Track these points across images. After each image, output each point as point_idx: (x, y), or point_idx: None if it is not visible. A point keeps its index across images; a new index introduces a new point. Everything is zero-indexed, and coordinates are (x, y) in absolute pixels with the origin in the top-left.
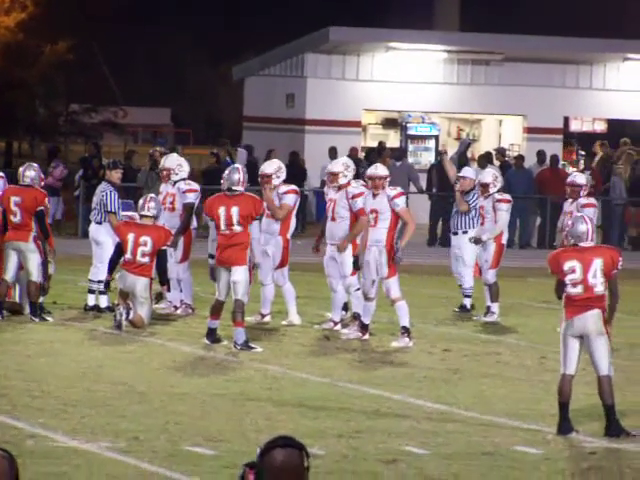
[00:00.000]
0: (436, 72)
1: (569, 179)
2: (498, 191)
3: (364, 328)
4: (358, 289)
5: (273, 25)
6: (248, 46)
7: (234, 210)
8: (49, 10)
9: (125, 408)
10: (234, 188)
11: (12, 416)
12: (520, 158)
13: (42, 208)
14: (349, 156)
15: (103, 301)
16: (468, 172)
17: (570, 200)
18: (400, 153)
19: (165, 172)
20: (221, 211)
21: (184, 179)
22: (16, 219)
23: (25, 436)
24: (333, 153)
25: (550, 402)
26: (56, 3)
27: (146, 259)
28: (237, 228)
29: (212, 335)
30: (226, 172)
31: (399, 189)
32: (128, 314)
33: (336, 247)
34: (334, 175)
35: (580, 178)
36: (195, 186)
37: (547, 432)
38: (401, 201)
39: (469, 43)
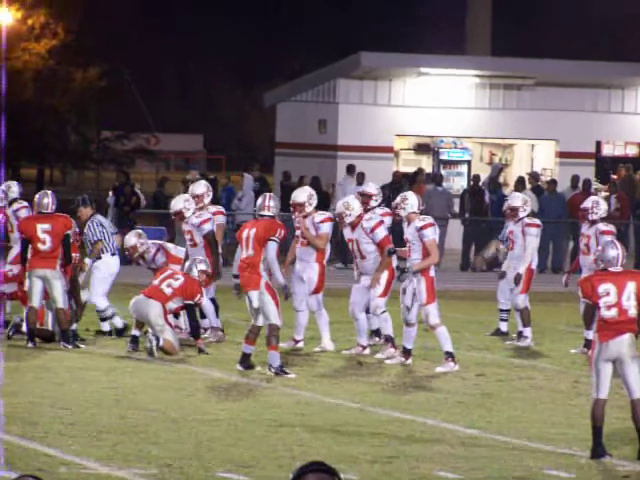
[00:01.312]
0: (468, 97)
1: (506, 204)
2: (528, 215)
3: (407, 353)
4: (384, 311)
5: (304, 51)
6: (279, 72)
7: (252, 232)
8: (80, 36)
9: (157, 434)
10: (260, 213)
11: (44, 443)
12: (553, 182)
13: (69, 232)
14: (392, 181)
15: (105, 326)
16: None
17: (586, 225)
18: (440, 178)
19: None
20: (244, 234)
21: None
22: (45, 247)
23: (58, 463)
24: (361, 179)
25: (583, 426)
26: (87, 30)
27: (164, 286)
28: (251, 252)
29: (245, 361)
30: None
31: (428, 219)
32: (159, 341)
33: (368, 281)
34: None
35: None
36: (207, 215)
37: (580, 456)
38: (430, 232)
39: (501, 68)
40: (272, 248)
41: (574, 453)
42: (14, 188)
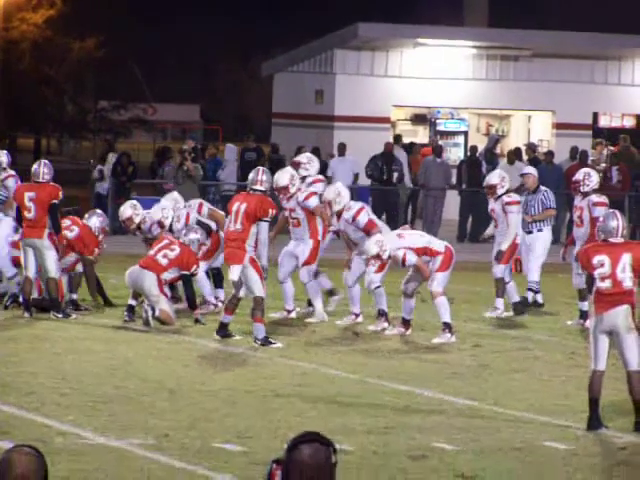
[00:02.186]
0: (465, 68)
1: (484, 181)
2: (507, 192)
3: (406, 324)
4: (379, 287)
5: (301, 21)
6: (276, 42)
7: (242, 207)
8: (77, 7)
9: (154, 405)
10: (253, 187)
11: (41, 414)
12: (550, 154)
13: (55, 202)
14: (384, 152)
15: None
16: (529, 169)
17: (579, 196)
18: (440, 149)
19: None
20: (234, 207)
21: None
22: (30, 215)
23: (54, 433)
24: (342, 149)
25: (580, 398)
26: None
27: (160, 256)
28: (239, 226)
29: (223, 329)
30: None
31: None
32: (154, 311)
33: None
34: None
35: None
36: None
37: (577, 428)
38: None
39: (498, 39)
40: (264, 229)
41: (571, 425)
42: (2, 158)
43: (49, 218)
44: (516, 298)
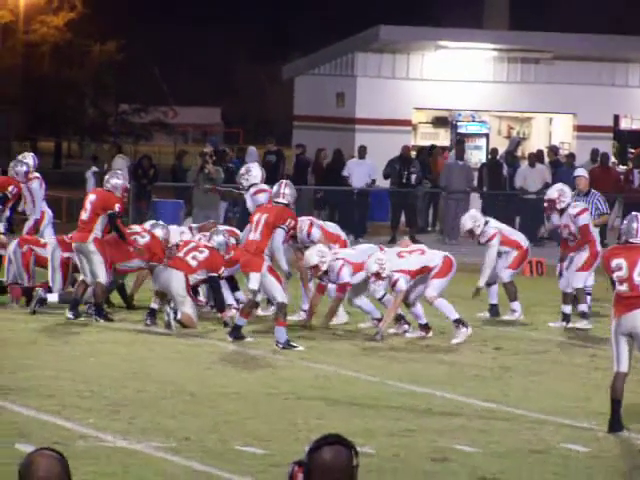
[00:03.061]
0: (486, 71)
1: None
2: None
3: (425, 328)
4: (384, 294)
5: (322, 24)
6: (297, 45)
7: (263, 217)
8: (98, 9)
9: (175, 408)
10: (275, 200)
11: (62, 417)
12: (571, 156)
13: (112, 212)
14: (401, 155)
15: None
16: (581, 171)
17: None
18: (462, 152)
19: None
20: (255, 217)
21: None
22: (84, 216)
23: (75, 437)
24: (362, 152)
25: (600, 400)
26: (105, 3)
27: (190, 258)
28: (258, 236)
29: (235, 332)
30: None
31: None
32: (176, 314)
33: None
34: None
35: (551, 192)
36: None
37: (597, 430)
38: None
39: (519, 42)
40: (279, 235)
41: (591, 427)
42: (29, 160)
43: (110, 226)
44: (495, 300)
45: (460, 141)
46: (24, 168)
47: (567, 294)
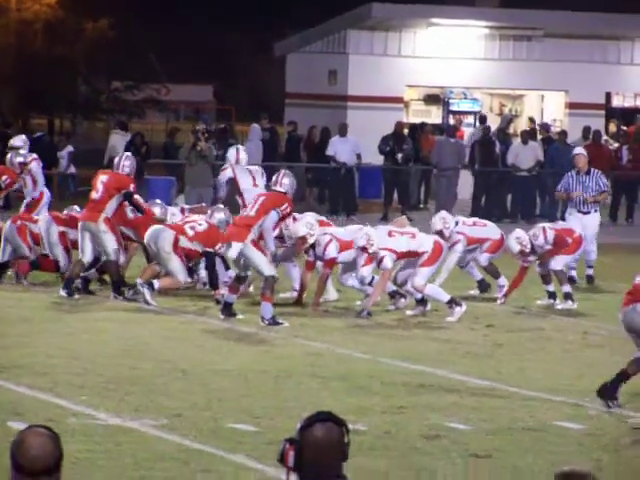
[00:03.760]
0: (478, 48)
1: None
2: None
3: (421, 302)
4: (373, 279)
5: (314, 1)
6: (289, 23)
7: (261, 199)
8: None
9: (168, 385)
10: (273, 188)
11: (55, 394)
12: (563, 133)
13: (128, 191)
14: (394, 132)
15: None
16: (580, 150)
17: None
18: (453, 130)
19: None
20: (254, 199)
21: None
22: (96, 195)
23: (68, 414)
24: (343, 129)
25: (593, 378)
26: None
27: (188, 227)
28: (252, 213)
29: (227, 309)
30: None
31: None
32: (152, 287)
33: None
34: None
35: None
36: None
37: (590, 407)
38: None
39: (510, 19)
40: (271, 217)
41: (584, 404)
42: (19, 143)
43: (127, 204)
44: (479, 276)
45: (454, 127)
46: (20, 159)
47: (544, 275)
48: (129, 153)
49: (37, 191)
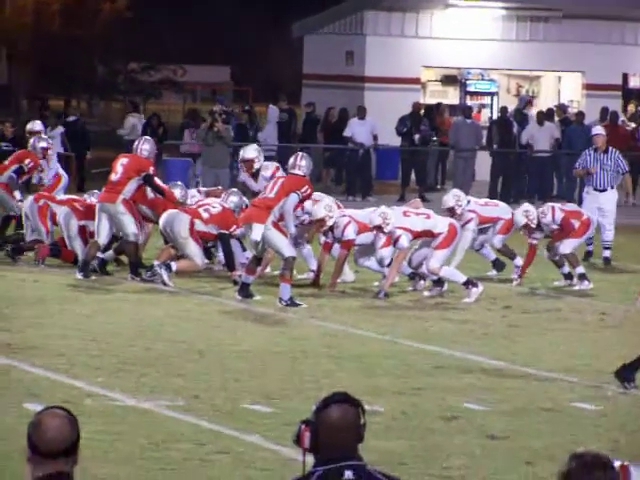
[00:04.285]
0: (495, 29)
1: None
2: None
3: (438, 283)
4: (391, 262)
5: None
6: (307, 3)
7: (280, 181)
8: None
9: (184, 366)
10: (291, 171)
11: (71, 375)
12: (580, 114)
13: (147, 173)
14: (412, 112)
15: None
16: (599, 129)
17: None
18: (469, 110)
19: (247, 164)
20: (273, 180)
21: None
22: (115, 177)
23: (84, 395)
24: (362, 112)
25: (609, 359)
26: None
27: (202, 210)
28: (271, 195)
29: (244, 290)
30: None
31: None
32: (170, 268)
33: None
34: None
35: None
36: None
37: (607, 389)
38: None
39: (528, 0)
40: (292, 200)
41: (600, 385)
42: (38, 127)
43: (149, 186)
44: (493, 256)
45: (469, 107)
46: (43, 144)
47: (555, 261)
48: (148, 137)
49: (52, 174)
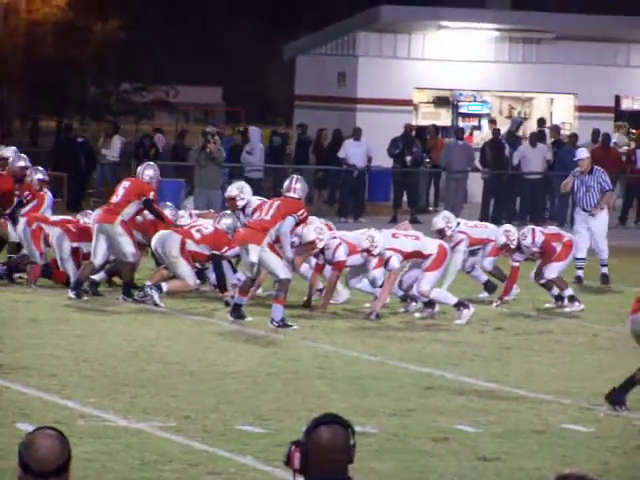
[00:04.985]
0: (487, 50)
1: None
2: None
3: (428, 305)
4: (382, 285)
5: (323, 3)
6: (298, 25)
7: (276, 203)
8: None
9: (176, 387)
10: (286, 194)
11: (63, 396)
12: (573, 136)
13: (147, 198)
14: (404, 134)
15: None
16: (583, 153)
17: None
18: (461, 132)
19: (230, 202)
20: (267, 204)
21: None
22: (115, 199)
23: (76, 416)
24: (357, 133)
25: (602, 380)
26: None
27: (194, 230)
28: (267, 217)
29: (236, 311)
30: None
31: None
32: (160, 289)
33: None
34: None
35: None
36: None
37: (598, 410)
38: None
39: (520, 22)
40: (288, 223)
41: (592, 407)
42: (37, 175)
43: (148, 211)
44: (484, 278)
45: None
46: (40, 176)
47: (543, 284)
48: (152, 163)
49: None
